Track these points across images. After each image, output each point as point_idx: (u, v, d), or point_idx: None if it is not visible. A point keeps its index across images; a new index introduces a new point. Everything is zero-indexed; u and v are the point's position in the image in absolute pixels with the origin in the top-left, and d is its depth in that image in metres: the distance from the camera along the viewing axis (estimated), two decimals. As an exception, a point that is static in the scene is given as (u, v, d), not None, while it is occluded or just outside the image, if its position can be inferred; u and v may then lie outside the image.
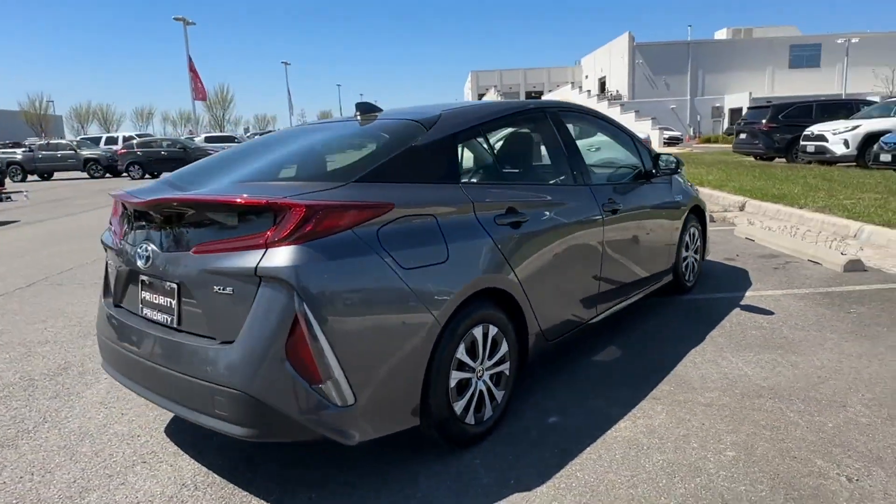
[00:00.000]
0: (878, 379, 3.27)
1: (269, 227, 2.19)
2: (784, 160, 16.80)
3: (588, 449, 2.71)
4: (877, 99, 19.80)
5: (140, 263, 2.51)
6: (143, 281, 2.61)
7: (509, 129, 3.60)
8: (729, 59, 54.61)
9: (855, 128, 13.94)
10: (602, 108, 48.25)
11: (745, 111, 18.40)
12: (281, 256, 2.14)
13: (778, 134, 16.49)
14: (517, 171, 3.50)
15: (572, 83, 59.56)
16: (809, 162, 15.06)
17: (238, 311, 2.21)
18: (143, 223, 2.59)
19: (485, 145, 3.14)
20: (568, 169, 3.55)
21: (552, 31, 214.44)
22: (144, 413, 3.27)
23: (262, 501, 2.44)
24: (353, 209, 2.30)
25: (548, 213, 3.18)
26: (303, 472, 2.64)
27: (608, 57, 58.92)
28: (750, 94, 48.93)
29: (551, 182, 3.48)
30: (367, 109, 3.30)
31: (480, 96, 71.80)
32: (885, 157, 12.10)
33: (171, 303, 2.46)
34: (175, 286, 2.43)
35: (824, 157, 14.45)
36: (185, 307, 2.41)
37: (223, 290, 2.23)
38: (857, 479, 2.38)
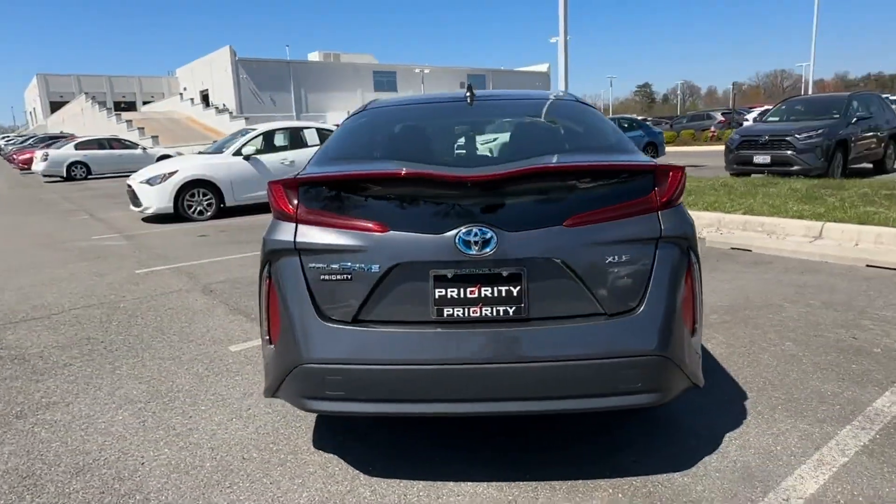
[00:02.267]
0: (801, 286, 4.88)
1: (650, 191, 2.22)
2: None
3: (725, 366, 3.41)
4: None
5: (471, 251, 2.10)
6: (438, 276, 2.15)
7: None
8: (326, 80, 59.41)
9: (495, 139, 17.61)
10: (210, 118, 46.99)
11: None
12: (675, 217, 2.22)
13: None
14: None
15: (181, 94, 55.66)
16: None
17: (635, 278, 2.17)
18: (468, 203, 2.14)
19: None
20: None
21: (140, 38, 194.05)
22: (280, 474, 2.52)
23: (608, 481, 2.38)
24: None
25: None
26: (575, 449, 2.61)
27: (209, 70, 57.16)
28: (348, 112, 54.51)
29: None
30: (471, 90, 3.23)
31: (55, 104, 60.25)
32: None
33: (513, 290, 2.15)
34: (521, 270, 2.14)
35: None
36: (536, 290, 2.15)
37: (617, 259, 2.15)
38: (859, 336, 3.74)
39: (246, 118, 42.93)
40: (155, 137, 34.01)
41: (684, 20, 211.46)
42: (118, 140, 23.30)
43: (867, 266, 5.42)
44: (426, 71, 56.25)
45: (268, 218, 2.46)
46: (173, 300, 5.19)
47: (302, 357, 2.21)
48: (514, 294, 2.16)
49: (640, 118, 24.47)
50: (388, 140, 2.93)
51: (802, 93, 44.15)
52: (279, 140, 10.75)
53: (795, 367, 3.35)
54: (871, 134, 12.01)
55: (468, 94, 3.15)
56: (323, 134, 11.07)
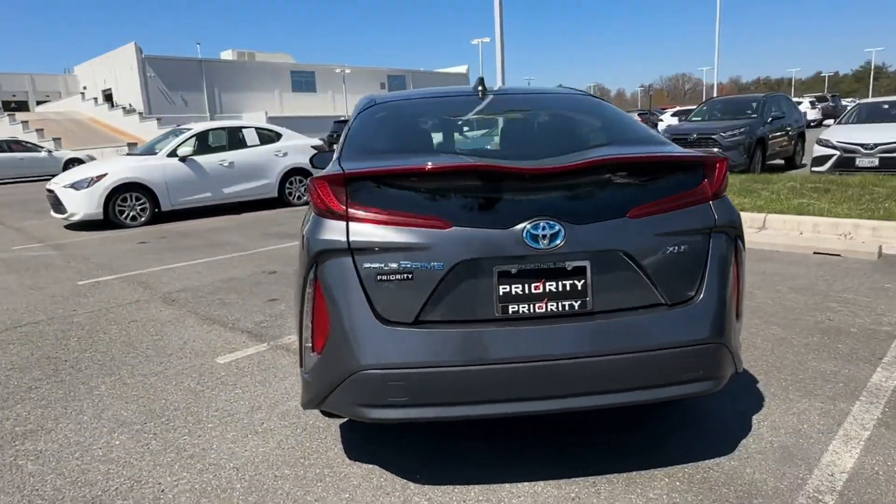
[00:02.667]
0: (763, 273, 5.11)
1: (701, 181, 2.25)
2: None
3: (724, 351, 3.54)
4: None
5: (539, 245, 2.05)
6: (503, 272, 2.09)
7: None
8: (241, 80, 57.33)
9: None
10: (117, 118, 44.28)
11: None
12: (725, 206, 2.26)
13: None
14: None
15: (82, 93, 51.98)
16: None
17: (693, 267, 2.19)
18: (533, 195, 2.08)
19: None
20: None
21: (32, 33, 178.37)
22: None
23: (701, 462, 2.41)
24: None
25: None
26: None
27: (111, 68, 53.78)
28: (266, 113, 52.87)
29: None
30: (482, 84, 3.16)
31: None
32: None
33: (577, 284, 2.11)
34: (585, 263, 2.11)
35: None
36: (600, 283, 2.13)
37: (677, 249, 2.16)
38: (833, 317, 3.99)
39: (158, 119, 40.75)
40: (57, 140, 31.44)
41: (596, 26, 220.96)
42: (18, 142, 21.40)
43: (814, 253, 5.82)
44: (347, 71, 55.50)
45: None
46: (133, 312, 4.79)
47: (360, 363, 2.08)
48: (579, 288, 2.13)
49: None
50: (420, 134, 2.83)
51: (704, 95, 47.07)
52: (216, 140, 10.21)
53: (789, 349, 3.52)
54: (783, 132, 12.97)
55: (479, 88, 3.09)
56: (262, 134, 10.63)
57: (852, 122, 11.60)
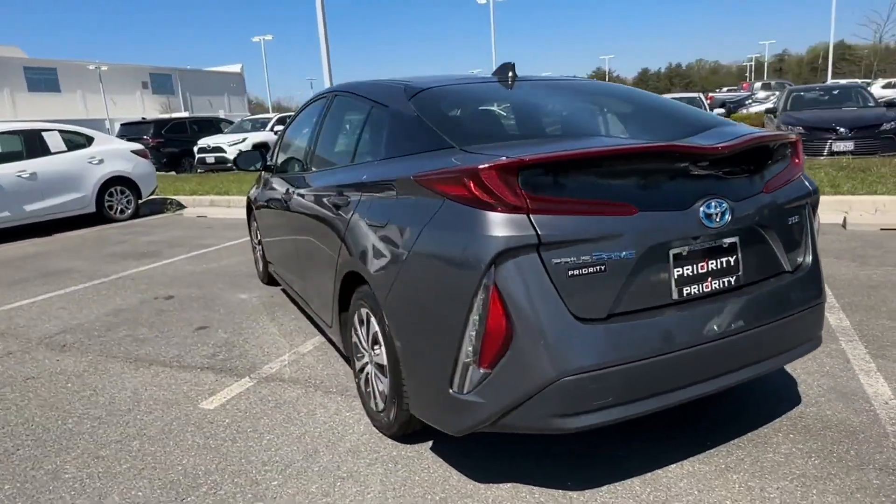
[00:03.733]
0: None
1: (793, 157, 2.45)
2: (175, 172, 17.49)
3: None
4: (234, 119, 22.82)
5: (712, 224, 2.05)
6: (677, 254, 2.05)
7: None
8: (-42, 78, 47.15)
9: (244, 140, 16.34)
10: None
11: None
12: (809, 179, 2.50)
13: (165, 148, 17.04)
14: None
15: None
16: (210, 171, 16.50)
17: (802, 234, 2.39)
18: (702, 175, 2.06)
19: None
20: None
21: None
22: None
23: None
24: None
25: None
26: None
27: None
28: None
29: None
30: (513, 70, 3.02)
31: None
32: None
33: (730, 260, 2.16)
34: (735, 239, 2.17)
35: (224, 166, 16.31)
36: (745, 257, 2.21)
37: (793, 219, 2.33)
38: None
39: None
40: None
41: (378, 25, 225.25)
42: None
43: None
44: (103, 69, 48.66)
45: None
46: (19, 368, 3.66)
47: (564, 369, 1.87)
48: (732, 263, 2.18)
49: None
50: (521, 120, 2.59)
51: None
52: (8, 146, 8.21)
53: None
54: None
55: (511, 73, 2.98)
56: (69, 138, 8.82)
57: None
